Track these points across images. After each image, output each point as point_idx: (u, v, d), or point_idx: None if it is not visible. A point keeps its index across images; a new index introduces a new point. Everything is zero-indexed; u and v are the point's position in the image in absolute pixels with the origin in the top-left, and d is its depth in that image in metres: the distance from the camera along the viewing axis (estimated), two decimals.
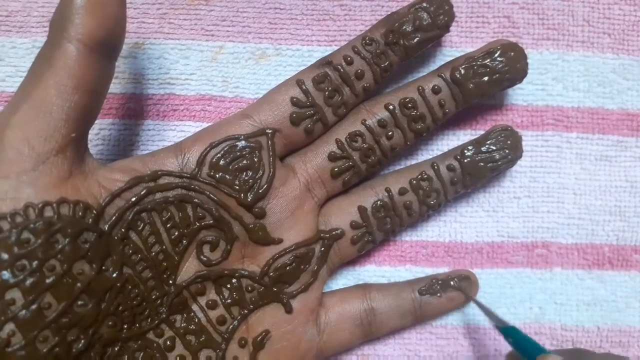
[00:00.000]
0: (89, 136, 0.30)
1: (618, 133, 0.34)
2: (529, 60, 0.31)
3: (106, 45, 0.24)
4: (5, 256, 0.22)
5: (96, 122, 0.31)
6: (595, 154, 0.34)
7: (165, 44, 0.32)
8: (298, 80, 0.29)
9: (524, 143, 0.33)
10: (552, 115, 0.34)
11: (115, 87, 0.32)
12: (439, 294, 0.32)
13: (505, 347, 0.33)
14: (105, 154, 0.32)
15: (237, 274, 0.29)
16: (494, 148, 0.31)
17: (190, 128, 0.32)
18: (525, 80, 0.32)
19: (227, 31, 0.33)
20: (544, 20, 0.34)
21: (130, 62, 0.32)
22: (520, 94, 0.34)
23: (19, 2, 0.32)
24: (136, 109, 0.32)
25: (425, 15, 0.29)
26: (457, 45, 0.34)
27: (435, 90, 0.30)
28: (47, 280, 0.23)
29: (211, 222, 0.28)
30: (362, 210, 0.30)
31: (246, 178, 0.28)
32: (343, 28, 0.33)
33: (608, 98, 0.34)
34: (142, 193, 0.26)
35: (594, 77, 0.34)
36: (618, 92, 0.34)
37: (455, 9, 0.30)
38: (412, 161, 0.34)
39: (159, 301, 0.27)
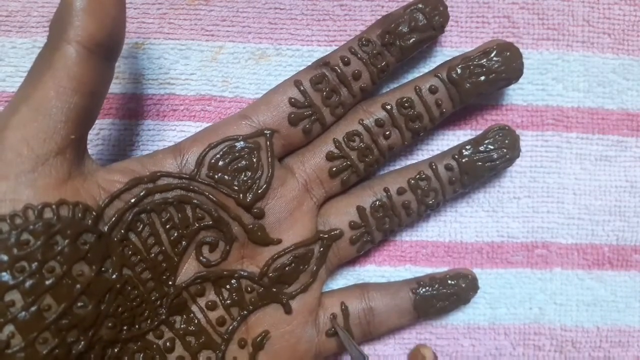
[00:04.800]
0: (89, 137, 0.30)
1: (618, 133, 0.34)
2: (529, 60, 0.31)
3: (106, 47, 0.24)
4: (4, 258, 0.22)
5: (96, 122, 0.31)
6: (595, 154, 0.34)
7: (165, 44, 0.32)
8: (296, 81, 0.29)
9: (524, 143, 0.33)
10: (552, 115, 0.34)
11: (115, 87, 0.32)
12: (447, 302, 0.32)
13: (506, 346, 0.34)
14: (105, 154, 0.32)
15: (236, 275, 0.29)
16: (491, 147, 0.31)
17: (190, 128, 0.32)
18: (525, 80, 0.32)
19: (227, 31, 0.33)
20: (544, 20, 0.34)
21: (130, 62, 0.32)
22: (520, 94, 0.34)
23: (19, 2, 0.32)
24: (136, 109, 0.32)
25: (420, 16, 0.29)
26: (457, 45, 0.34)
27: (432, 90, 0.30)
28: (47, 282, 0.23)
29: (210, 222, 0.28)
30: (360, 210, 0.30)
31: (245, 178, 0.28)
32: (343, 28, 0.33)
33: (608, 98, 0.34)
34: (141, 194, 0.26)
35: (594, 77, 0.34)
36: (618, 92, 0.34)
37: (455, 9, 0.30)
38: (413, 161, 0.33)
39: (158, 302, 0.27)
